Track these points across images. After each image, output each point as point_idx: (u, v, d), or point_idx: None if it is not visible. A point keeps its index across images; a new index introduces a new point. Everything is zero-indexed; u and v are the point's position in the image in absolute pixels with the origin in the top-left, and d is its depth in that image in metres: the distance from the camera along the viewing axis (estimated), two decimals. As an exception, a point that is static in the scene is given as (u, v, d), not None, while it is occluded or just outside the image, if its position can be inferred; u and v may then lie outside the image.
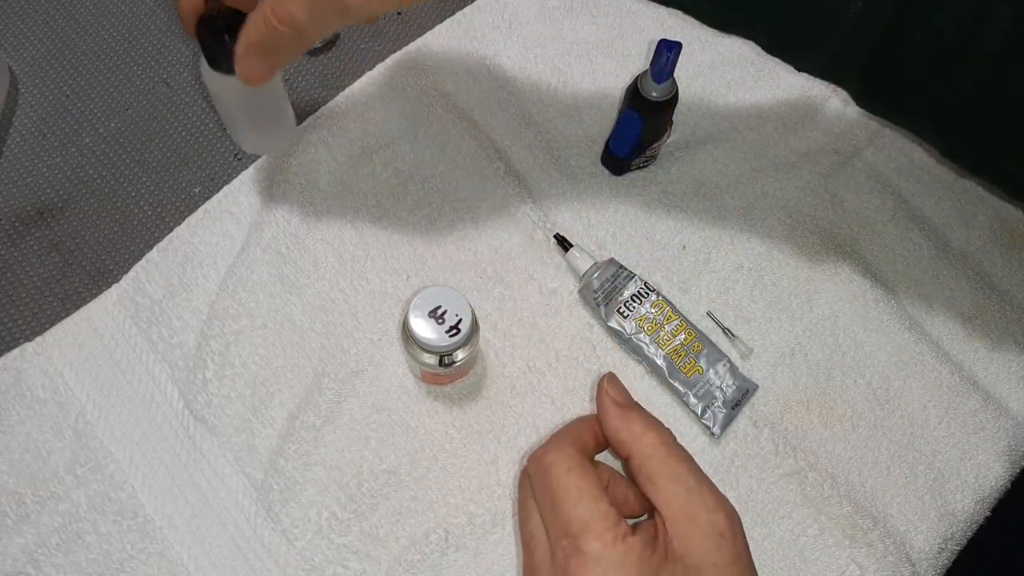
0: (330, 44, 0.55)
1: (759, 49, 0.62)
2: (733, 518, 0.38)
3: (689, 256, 0.55)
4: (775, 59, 0.61)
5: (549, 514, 0.39)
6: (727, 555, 0.37)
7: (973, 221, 0.57)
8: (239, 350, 0.50)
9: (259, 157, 0.56)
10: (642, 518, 0.42)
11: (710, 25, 0.46)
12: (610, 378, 0.44)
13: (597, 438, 0.43)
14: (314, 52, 0.58)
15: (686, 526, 0.37)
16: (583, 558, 0.36)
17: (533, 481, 0.41)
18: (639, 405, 0.43)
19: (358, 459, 0.48)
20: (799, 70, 0.47)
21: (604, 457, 0.46)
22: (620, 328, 0.51)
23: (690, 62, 0.60)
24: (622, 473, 0.43)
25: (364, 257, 0.53)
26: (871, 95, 0.46)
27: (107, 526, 0.46)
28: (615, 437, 0.41)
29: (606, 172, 0.57)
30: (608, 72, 0.60)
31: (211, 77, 0.38)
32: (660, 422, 0.42)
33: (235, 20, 0.34)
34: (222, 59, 0.35)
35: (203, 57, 0.37)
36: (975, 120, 0.41)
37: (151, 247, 0.53)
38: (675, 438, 0.41)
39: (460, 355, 0.45)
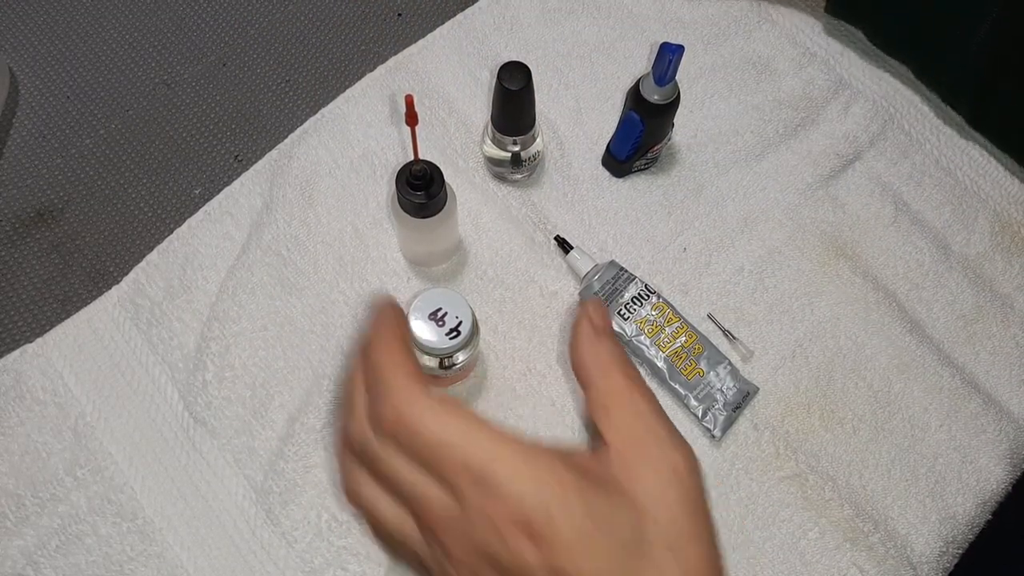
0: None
1: (760, 52, 0.62)
2: (693, 462, 0.34)
3: (690, 258, 0.54)
4: (776, 62, 0.61)
5: (439, 468, 0.33)
6: (677, 493, 0.33)
7: (974, 225, 0.57)
8: (239, 352, 0.50)
9: (259, 159, 0.56)
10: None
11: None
12: (595, 302, 0.39)
13: (401, 336, 0.36)
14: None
15: (634, 458, 0.33)
16: (494, 488, 0.31)
17: (400, 446, 0.34)
18: (614, 336, 0.38)
19: (358, 461, 0.48)
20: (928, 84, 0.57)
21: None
22: (621, 330, 0.51)
23: (692, 64, 0.60)
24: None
25: (364, 259, 0.53)
26: (981, 119, 0.53)
27: (107, 528, 0.46)
28: (579, 361, 0.37)
29: (607, 174, 0.57)
30: (609, 74, 0.60)
31: (401, 216, 0.45)
32: (631, 360, 0.38)
33: (433, 176, 0.43)
34: (417, 208, 0.44)
35: (395, 199, 0.45)
36: None
37: (151, 249, 0.53)
38: (642, 378, 0.37)
39: (460, 357, 0.45)
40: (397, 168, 0.44)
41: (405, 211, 0.45)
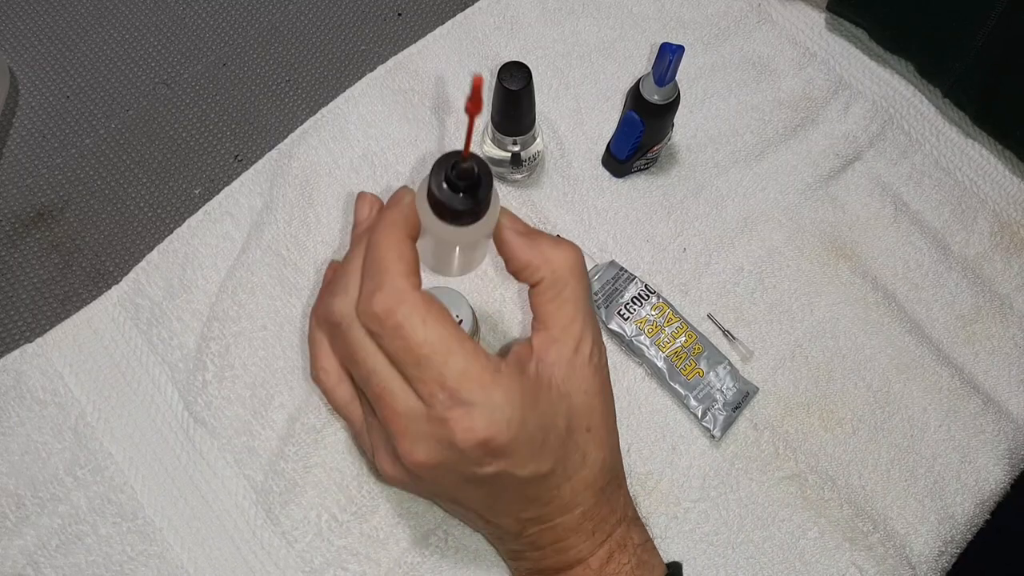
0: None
1: (760, 52, 0.62)
2: (603, 351, 0.39)
3: (690, 258, 0.55)
4: (776, 62, 0.61)
5: (414, 370, 0.35)
6: (598, 384, 0.38)
7: (973, 225, 0.57)
8: (239, 352, 0.50)
9: (259, 159, 0.56)
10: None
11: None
12: (503, 211, 0.39)
13: (410, 231, 0.37)
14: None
15: (568, 354, 0.37)
16: (466, 408, 0.35)
17: (381, 340, 0.36)
18: (538, 229, 0.39)
19: (358, 461, 0.48)
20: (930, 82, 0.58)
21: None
22: (621, 330, 0.51)
23: (692, 64, 0.60)
24: None
25: (364, 259, 0.53)
26: (987, 115, 0.55)
27: (107, 528, 0.46)
28: (528, 264, 0.38)
29: (607, 174, 0.57)
30: (609, 74, 0.60)
31: (430, 219, 0.36)
32: (566, 240, 0.39)
33: (481, 177, 0.35)
34: (456, 214, 0.35)
35: (427, 200, 0.36)
36: None
37: (151, 248, 0.53)
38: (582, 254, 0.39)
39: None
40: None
41: (438, 215, 0.35)
